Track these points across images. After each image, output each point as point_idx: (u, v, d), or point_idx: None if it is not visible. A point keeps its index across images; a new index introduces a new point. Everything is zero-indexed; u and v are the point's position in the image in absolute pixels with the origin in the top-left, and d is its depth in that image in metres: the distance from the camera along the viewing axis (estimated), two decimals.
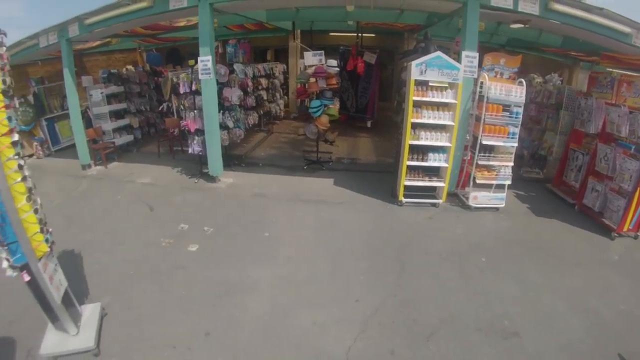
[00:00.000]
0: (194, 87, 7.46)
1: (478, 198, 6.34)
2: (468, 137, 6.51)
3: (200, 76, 6.99)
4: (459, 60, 6.10)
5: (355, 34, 12.51)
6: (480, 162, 6.20)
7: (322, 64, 8.02)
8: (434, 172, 6.50)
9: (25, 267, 2.92)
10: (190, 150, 7.87)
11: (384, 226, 5.83)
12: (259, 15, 10.13)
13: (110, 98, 9.65)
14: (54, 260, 3.32)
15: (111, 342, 3.46)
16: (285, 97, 14.07)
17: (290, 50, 14.23)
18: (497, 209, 6.39)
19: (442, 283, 4.43)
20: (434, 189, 6.61)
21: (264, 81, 11.47)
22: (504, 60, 6.26)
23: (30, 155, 9.56)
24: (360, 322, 3.74)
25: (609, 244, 5.48)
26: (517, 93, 5.91)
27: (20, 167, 2.89)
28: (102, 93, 9.28)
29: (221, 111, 8.07)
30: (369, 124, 12.85)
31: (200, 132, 7.57)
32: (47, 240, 3.12)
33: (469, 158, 6.50)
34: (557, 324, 3.79)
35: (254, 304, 4.00)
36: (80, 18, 7.45)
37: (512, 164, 6.23)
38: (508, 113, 6.00)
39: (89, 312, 3.64)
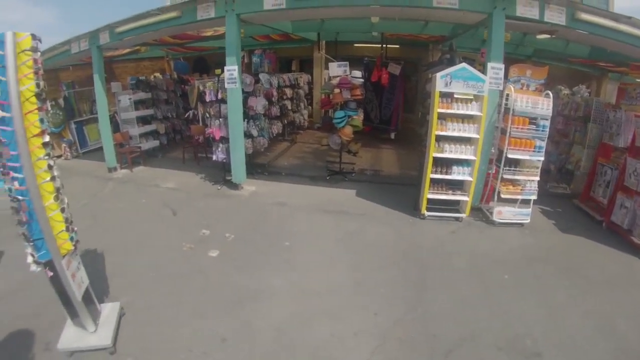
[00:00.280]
0: (219, 96, 7.60)
1: (502, 213, 6.16)
2: (493, 151, 6.36)
3: (226, 85, 7.11)
4: (484, 72, 6.00)
5: (380, 45, 12.53)
6: (505, 176, 6.04)
7: (347, 75, 8.04)
8: (457, 185, 6.37)
9: (49, 264, 2.99)
10: (214, 158, 7.99)
11: (405, 239, 5.73)
12: (285, 26, 10.30)
13: (137, 104, 9.93)
14: (78, 258, 3.38)
15: (128, 341, 3.49)
16: (310, 107, 14.16)
17: (315, 61, 14.36)
18: (522, 224, 6.19)
19: (463, 299, 4.29)
20: (457, 202, 6.47)
21: (288, 91, 11.58)
22: (530, 72, 6.13)
23: (59, 156, 9.90)
24: (378, 336, 3.65)
25: (639, 264, 5.22)
26: (543, 105, 5.76)
27: (50, 167, 2.98)
28: (130, 99, 9.56)
29: (246, 120, 8.17)
30: (392, 136, 12.78)
31: (224, 139, 7.68)
32: (71, 239, 3.19)
33: (493, 172, 6.35)
34: (581, 346, 3.59)
35: (271, 312, 3.97)
36: (111, 26, 7.74)
37: (538, 178, 6.04)
38: (534, 126, 5.84)
39: (108, 310, 3.69)
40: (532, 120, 5.84)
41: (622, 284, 4.73)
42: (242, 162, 7.64)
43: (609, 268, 5.09)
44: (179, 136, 11.90)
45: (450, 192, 6.31)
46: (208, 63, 14.79)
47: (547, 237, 5.96)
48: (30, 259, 2.95)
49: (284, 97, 11.34)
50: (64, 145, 10.17)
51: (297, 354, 3.42)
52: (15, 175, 2.78)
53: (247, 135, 8.30)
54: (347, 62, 8.13)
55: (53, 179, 3.01)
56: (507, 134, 5.84)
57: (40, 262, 2.96)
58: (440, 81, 5.79)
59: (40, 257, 2.95)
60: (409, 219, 6.41)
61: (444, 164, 6.15)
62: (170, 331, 3.65)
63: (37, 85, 2.83)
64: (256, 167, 8.84)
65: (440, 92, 5.83)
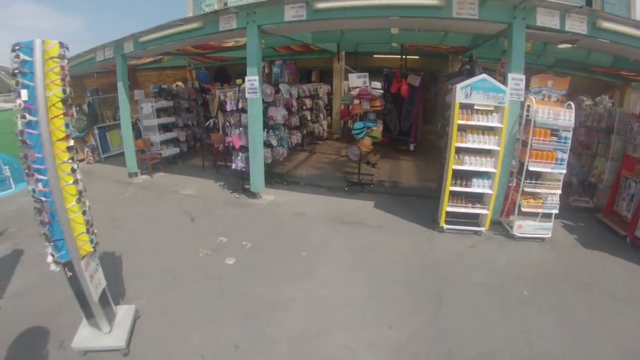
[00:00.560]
0: (240, 105, 7.72)
1: (523, 227, 6.00)
2: (514, 163, 6.22)
3: (246, 95, 7.21)
4: (505, 82, 5.91)
5: (400, 56, 12.54)
6: (526, 189, 5.89)
7: (366, 86, 8.05)
8: (477, 198, 6.24)
9: (68, 264, 3.05)
10: (233, 166, 8.08)
11: (423, 252, 5.63)
12: (305, 37, 10.42)
13: (159, 112, 10.18)
14: (96, 260, 3.45)
15: (141, 344, 3.52)
16: (329, 118, 14.22)
17: (335, 72, 14.45)
18: (542, 239, 6.01)
19: (481, 315, 4.17)
20: (476, 216, 6.33)
21: (308, 101, 11.67)
22: (552, 82, 6.00)
23: (82, 160, 10.21)
24: (392, 350, 3.58)
25: None
26: (565, 117, 5.62)
27: (73, 170, 3.06)
28: (152, 106, 9.81)
29: (265, 129, 8.25)
30: (411, 147, 12.68)
31: (244, 148, 7.77)
32: (91, 241, 3.26)
33: (514, 185, 6.20)
34: None
35: (285, 322, 3.94)
36: (135, 36, 7.99)
37: (559, 191, 5.87)
38: (556, 138, 5.70)
39: (123, 312, 3.73)
40: (554, 131, 5.70)
41: None
42: (261, 171, 7.70)
43: (633, 285, 4.86)
44: (199, 144, 12.11)
45: (469, 205, 6.19)
46: (229, 73, 15.08)
47: (569, 253, 5.76)
48: (50, 259, 3.03)
49: (304, 107, 11.43)
50: (86, 149, 10.50)
51: None
52: (40, 177, 2.87)
53: (267, 144, 8.37)
54: (367, 73, 8.15)
55: (76, 182, 3.10)
56: (528, 146, 5.72)
57: (59, 262, 3.03)
58: (461, 92, 5.73)
59: (60, 257, 3.02)
60: (427, 232, 6.30)
61: (464, 177, 6.05)
62: (184, 336, 3.66)
63: (64, 91, 2.93)
64: (275, 177, 8.89)
65: (460, 103, 5.76)
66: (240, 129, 7.77)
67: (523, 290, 4.67)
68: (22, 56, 2.66)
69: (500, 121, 5.80)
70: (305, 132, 11.67)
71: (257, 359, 3.41)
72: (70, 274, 3.08)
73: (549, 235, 5.98)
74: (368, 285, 4.71)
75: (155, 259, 5.21)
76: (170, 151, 10.46)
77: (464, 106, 5.81)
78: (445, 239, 6.10)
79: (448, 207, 6.14)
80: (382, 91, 8.60)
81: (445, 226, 6.24)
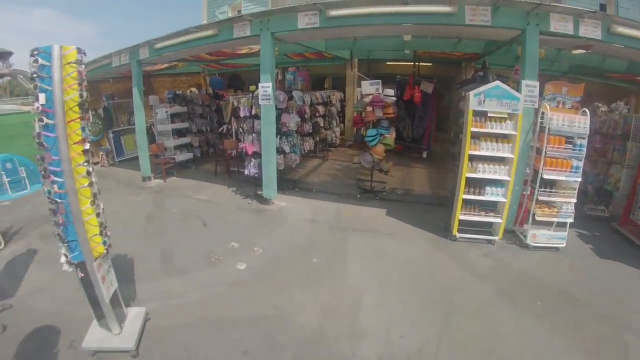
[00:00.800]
0: (253, 112, 7.79)
1: (537, 237, 5.89)
2: (528, 171, 6.13)
3: (260, 101, 7.27)
4: (518, 89, 5.85)
5: (413, 64, 12.52)
6: (540, 198, 5.79)
7: (379, 93, 8.05)
8: (491, 207, 6.15)
9: (81, 265, 3.10)
10: (246, 172, 8.14)
11: (435, 261, 5.56)
12: (318, 45, 10.50)
13: (174, 117, 10.35)
14: (109, 262, 3.50)
15: (151, 346, 3.54)
16: (342, 125, 14.25)
17: (348, 79, 14.50)
18: (557, 249, 5.89)
19: (492, 326, 4.09)
20: (490, 225, 6.23)
21: (321, 109, 11.72)
22: (567, 89, 5.91)
23: (96, 164, 10.43)
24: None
25: None
26: (580, 124, 5.53)
27: (89, 173, 3.12)
28: (167, 112, 9.98)
29: (279, 136, 8.30)
30: (425, 155, 12.61)
31: (257, 155, 7.82)
32: (104, 243, 3.31)
33: (528, 193, 6.10)
34: None
35: (295, 329, 3.92)
36: (150, 42, 8.16)
37: (575, 200, 5.75)
38: (571, 145, 5.59)
39: (134, 315, 3.77)
40: (569, 139, 5.61)
41: None
42: (274, 177, 7.72)
43: None
44: (212, 150, 12.24)
45: (483, 213, 6.10)
46: (243, 80, 15.25)
47: (584, 263, 5.62)
48: (63, 259, 3.08)
49: (317, 114, 11.48)
50: (101, 153, 10.72)
51: None
52: (56, 179, 2.94)
53: (280, 151, 8.41)
54: (380, 81, 8.15)
55: (91, 184, 3.16)
56: (543, 154, 5.63)
57: (73, 263, 3.08)
58: (474, 100, 5.68)
59: (73, 258, 3.07)
60: (439, 241, 6.23)
61: (477, 185, 5.97)
62: (194, 340, 3.67)
63: (81, 96, 3.00)
64: (287, 183, 8.91)
65: (474, 110, 5.71)
66: (254, 135, 7.83)
67: (537, 301, 4.57)
68: (41, 61, 2.74)
69: (515, 129, 5.73)
70: (318, 139, 11.71)
71: None
72: (83, 275, 3.13)
73: (564, 245, 5.86)
74: (379, 293, 4.67)
75: (167, 262, 5.26)
76: (184, 156, 10.59)
77: (477, 114, 5.76)
78: (458, 247, 6.02)
79: (461, 216, 6.06)
80: (395, 99, 8.57)
81: (458, 235, 6.16)
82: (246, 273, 5.06)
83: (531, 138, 5.97)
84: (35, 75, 2.76)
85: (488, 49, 9.17)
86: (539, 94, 5.85)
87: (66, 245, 3.03)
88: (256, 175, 7.96)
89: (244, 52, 9.97)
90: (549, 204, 5.87)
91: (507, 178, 5.85)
